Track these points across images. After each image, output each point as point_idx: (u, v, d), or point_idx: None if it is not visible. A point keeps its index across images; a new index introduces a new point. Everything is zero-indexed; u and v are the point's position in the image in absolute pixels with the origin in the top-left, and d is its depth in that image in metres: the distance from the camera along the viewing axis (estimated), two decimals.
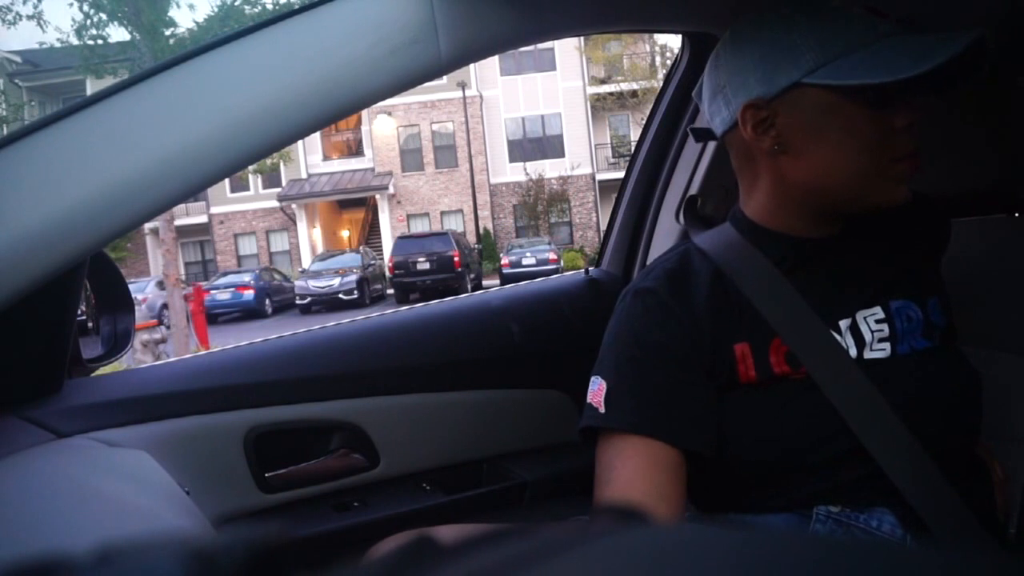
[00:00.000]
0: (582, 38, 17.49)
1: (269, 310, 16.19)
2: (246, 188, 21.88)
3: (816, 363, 0.74)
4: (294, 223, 22.24)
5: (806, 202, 0.78)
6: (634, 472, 0.72)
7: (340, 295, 15.68)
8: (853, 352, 0.75)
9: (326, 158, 22.85)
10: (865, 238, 0.81)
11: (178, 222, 15.61)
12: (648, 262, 1.47)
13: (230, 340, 1.80)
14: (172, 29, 10.05)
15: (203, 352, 1.49)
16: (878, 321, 0.77)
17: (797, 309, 0.76)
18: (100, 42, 9.99)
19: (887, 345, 0.76)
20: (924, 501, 0.72)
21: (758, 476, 0.76)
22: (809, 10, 0.73)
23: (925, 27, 0.71)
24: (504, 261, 16.82)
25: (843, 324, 0.77)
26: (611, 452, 0.74)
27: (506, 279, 15.42)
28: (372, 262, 17.59)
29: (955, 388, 0.77)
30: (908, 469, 0.72)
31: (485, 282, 17.61)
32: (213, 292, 15.22)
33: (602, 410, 0.75)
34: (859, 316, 0.77)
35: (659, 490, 0.71)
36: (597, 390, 0.76)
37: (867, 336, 0.76)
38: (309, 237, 22.19)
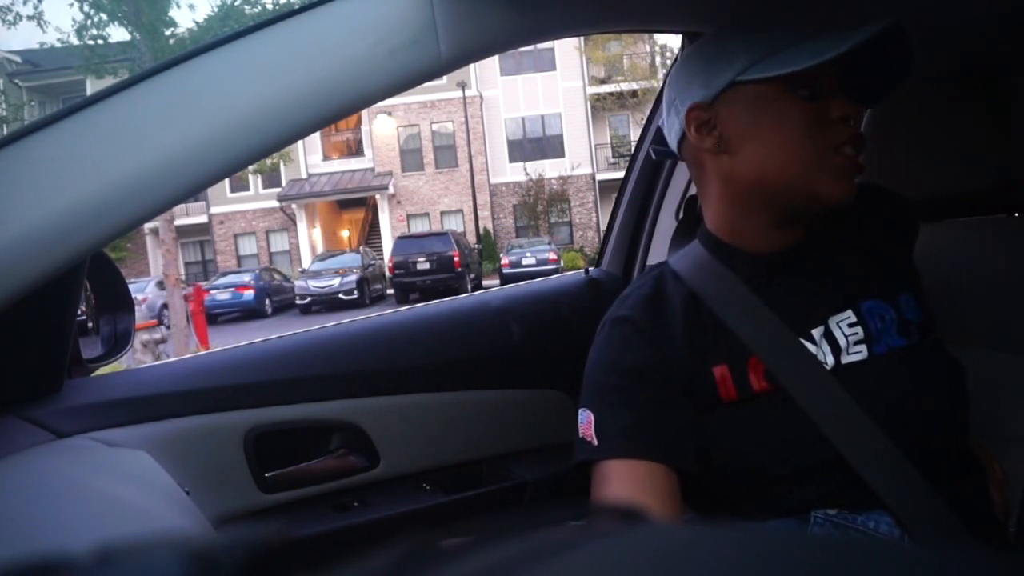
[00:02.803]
0: (582, 38, 17.48)
1: (269, 310, 16.19)
2: (246, 188, 21.87)
3: (791, 378, 0.75)
4: (294, 223, 22.23)
5: (755, 203, 0.79)
6: (620, 494, 0.72)
7: (340, 295, 15.67)
8: (830, 359, 0.76)
9: (326, 158, 22.84)
10: (829, 243, 0.82)
11: (178, 222, 15.60)
12: (648, 262, 1.47)
13: (230, 340, 1.80)
14: (172, 29, 10.05)
15: (203, 352, 1.49)
16: (851, 325, 0.78)
17: (770, 325, 0.77)
18: (100, 42, 10.00)
19: (863, 347, 0.77)
20: (905, 507, 0.72)
21: (749, 485, 0.77)
22: (741, 24, 0.80)
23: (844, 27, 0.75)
24: (504, 261, 16.81)
25: (816, 333, 0.77)
26: (603, 479, 0.75)
27: (506, 279, 15.41)
28: (372, 262, 17.58)
29: (936, 382, 0.77)
30: (888, 476, 0.72)
31: (485, 282, 17.59)
32: (213, 292, 15.21)
33: (595, 443, 0.76)
34: (831, 322, 0.78)
35: (647, 508, 0.71)
36: (586, 423, 0.78)
37: (842, 341, 0.77)
38: (309, 237, 22.19)
